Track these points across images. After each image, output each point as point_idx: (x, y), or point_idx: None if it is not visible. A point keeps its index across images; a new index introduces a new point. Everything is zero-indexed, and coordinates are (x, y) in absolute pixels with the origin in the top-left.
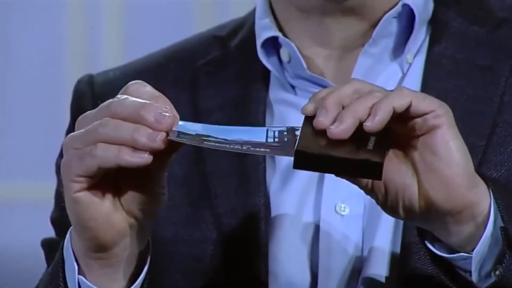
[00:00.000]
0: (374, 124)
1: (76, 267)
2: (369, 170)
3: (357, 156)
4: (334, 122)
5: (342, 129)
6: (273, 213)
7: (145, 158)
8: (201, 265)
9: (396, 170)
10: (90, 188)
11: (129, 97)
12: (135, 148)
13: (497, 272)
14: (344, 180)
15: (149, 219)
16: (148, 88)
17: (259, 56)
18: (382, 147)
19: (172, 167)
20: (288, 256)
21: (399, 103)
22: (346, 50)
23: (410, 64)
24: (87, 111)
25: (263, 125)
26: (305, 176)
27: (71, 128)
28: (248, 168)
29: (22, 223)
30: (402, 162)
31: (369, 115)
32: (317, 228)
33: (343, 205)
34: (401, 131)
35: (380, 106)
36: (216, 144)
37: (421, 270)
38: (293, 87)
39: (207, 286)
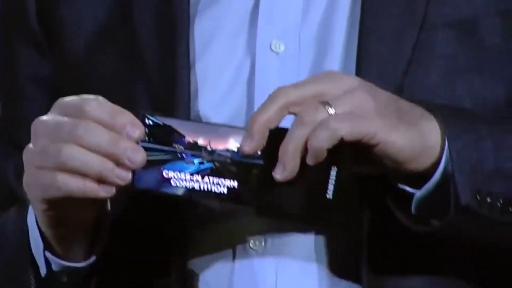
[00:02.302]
0: (313, 162)
1: (42, 244)
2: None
3: (314, 218)
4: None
5: (286, 175)
6: (203, 57)
7: (112, 193)
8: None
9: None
10: (56, 204)
11: (92, 123)
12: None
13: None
14: (279, 14)
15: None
16: (108, 105)
17: None
18: (343, 184)
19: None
20: (222, 96)
21: (327, 140)
22: None
23: None
24: None
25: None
26: (237, 14)
27: None
28: (172, 16)
29: None
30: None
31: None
32: (252, 68)
33: (278, 43)
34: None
35: (313, 146)
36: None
37: None
38: None
39: None
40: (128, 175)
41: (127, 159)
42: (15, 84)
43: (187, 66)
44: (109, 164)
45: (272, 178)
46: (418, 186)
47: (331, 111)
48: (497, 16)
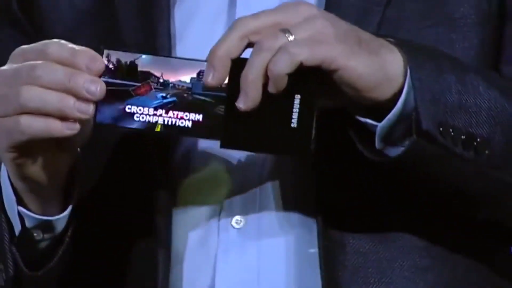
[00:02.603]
0: (275, 90)
1: (15, 198)
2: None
3: (280, 148)
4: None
5: (249, 105)
6: (183, 38)
7: (76, 129)
8: None
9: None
10: (26, 151)
11: (50, 63)
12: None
13: (401, 145)
14: None
15: (78, 146)
16: (68, 45)
17: None
18: (308, 112)
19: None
20: None
21: (287, 65)
22: None
23: None
24: None
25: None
26: (215, 1)
27: None
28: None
29: None
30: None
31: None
32: None
33: None
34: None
35: (273, 72)
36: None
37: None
38: None
39: None
40: (89, 108)
41: (86, 90)
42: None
43: (168, 47)
44: (69, 99)
45: (236, 109)
46: (379, 119)
47: (291, 38)
48: None
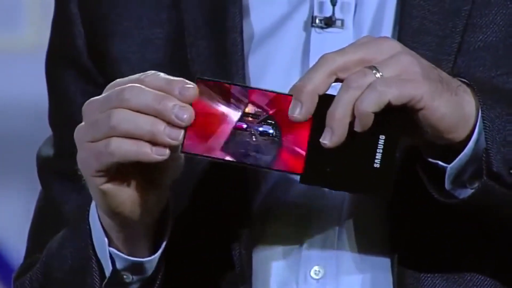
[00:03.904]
0: (361, 128)
1: (107, 240)
2: (377, 195)
3: (361, 187)
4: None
5: (334, 141)
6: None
7: (166, 154)
8: None
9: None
10: (113, 178)
11: (139, 86)
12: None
13: (470, 187)
14: (330, 49)
15: (165, 185)
16: (164, 75)
17: None
18: (391, 153)
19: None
20: None
21: (374, 104)
22: None
23: None
24: None
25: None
26: (289, 49)
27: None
28: (227, 51)
29: None
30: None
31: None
32: None
33: None
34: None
35: (360, 110)
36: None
37: None
38: None
39: None
40: (179, 134)
41: (175, 115)
42: (71, 119)
43: None
44: (160, 123)
45: (319, 145)
46: (449, 161)
47: (378, 75)
48: None
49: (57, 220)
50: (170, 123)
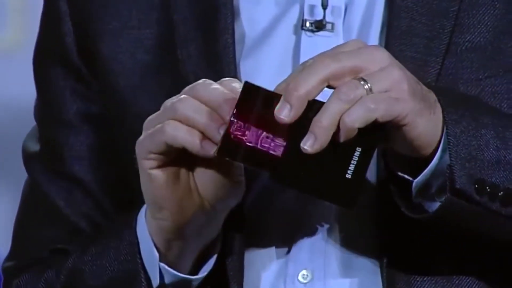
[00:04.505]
0: (343, 139)
1: (157, 254)
2: (343, 204)
3: (329, 195)
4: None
5: (315, 148)
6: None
7: (210, 153)
8: None
9: None
10: (163, 166)
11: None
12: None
13: (438, 199)
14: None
15: (224, 209)
16: (220, 89)
17: None
18: (364, 166)
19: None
20: None
21: (362, 119)
22: None
23: None
24: None
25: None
26: (280, 55)
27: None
28: (218, 53)
29: None
30: None
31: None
32: None
33: None
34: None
35: (346, 123)
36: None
37: None
38: None
39: None
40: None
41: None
42: (60, 116)
43: None
44: (216, 121)
45: (296, 148)
46: (416, 175)
47: (368, 86)
48: None
49: (49, 213)
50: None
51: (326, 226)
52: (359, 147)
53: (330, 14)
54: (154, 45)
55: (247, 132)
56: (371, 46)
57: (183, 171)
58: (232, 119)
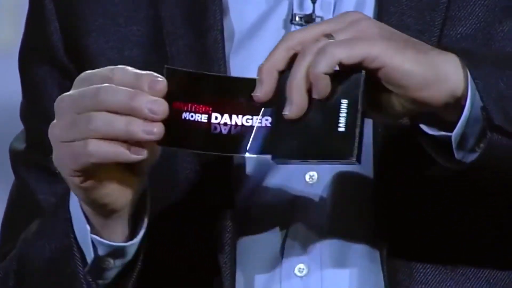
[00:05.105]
0: (319, 94)
1: (89, 227)
2: (345, 158)
3: (330, 153)
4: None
5: (294, 111)
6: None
7: (143, 154)
8: None
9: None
10: (92, 175)
11: (112, 86)
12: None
13: (479, 149)
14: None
15: (147, 170)
16: (132, 70)
17: None
18: (355, 114)
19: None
20: None
21: (326, 65)
22: None
23: None
24: None
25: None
26: (269, 49)
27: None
28: (207, 49)
29: None
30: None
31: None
32: None
33: None
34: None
35: (314, 73)
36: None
37: None
38: None
39: None
40: (154, 129)
41: (149, 110)
42: (47, 114)
43: None
44: (136, 121)
45: (284, 121)
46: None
47: (332, 39)
48: (506, 17)
49: (33, 209)
50: (146, 119)
51: (321, 218)
52: (344, 99)
53: (319, 9)
54: (143, 42)
55: (192, 115)
56: (348, 12)
57: (108, 167)
58: (171, 106)
